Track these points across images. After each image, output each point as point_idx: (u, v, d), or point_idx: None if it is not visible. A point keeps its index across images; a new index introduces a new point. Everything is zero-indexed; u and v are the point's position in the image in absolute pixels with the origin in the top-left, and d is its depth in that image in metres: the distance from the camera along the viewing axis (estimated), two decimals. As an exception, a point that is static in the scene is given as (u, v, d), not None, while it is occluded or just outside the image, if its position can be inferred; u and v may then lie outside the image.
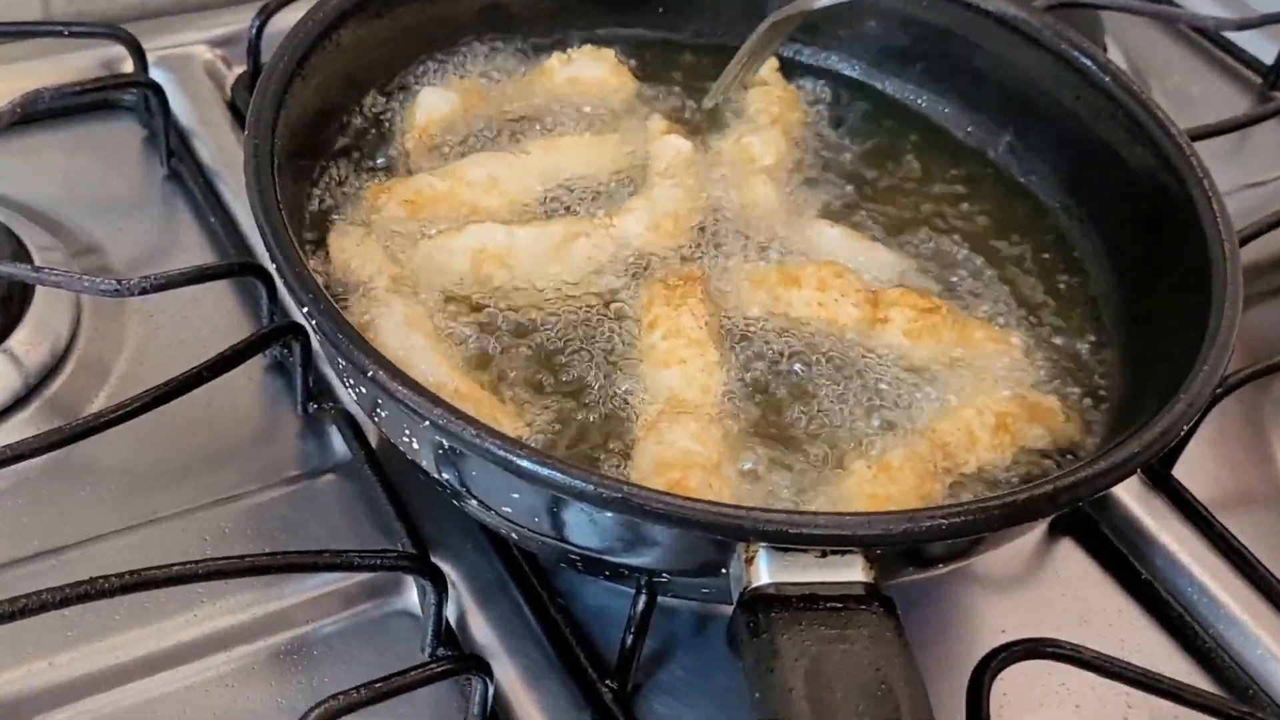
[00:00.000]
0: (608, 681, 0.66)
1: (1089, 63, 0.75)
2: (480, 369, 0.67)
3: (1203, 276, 0.66)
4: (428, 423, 0.54)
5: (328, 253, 0.71)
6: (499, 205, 0.75)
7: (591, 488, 0.52)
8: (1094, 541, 0.77)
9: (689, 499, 0.53)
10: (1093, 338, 0.73)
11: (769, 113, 0.82)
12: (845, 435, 0.67)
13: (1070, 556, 0.76)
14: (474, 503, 0.61)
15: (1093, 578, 0.75)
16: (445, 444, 0.57)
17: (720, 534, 0.53)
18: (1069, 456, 0.67)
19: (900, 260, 0.76)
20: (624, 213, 0.74)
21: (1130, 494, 0.77)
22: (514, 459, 0.53)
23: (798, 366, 0.70)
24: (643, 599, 0.63)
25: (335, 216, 0.73)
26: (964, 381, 0.69)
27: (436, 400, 0.55)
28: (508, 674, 0.66)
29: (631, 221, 0.74)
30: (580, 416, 0.66)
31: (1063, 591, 0.74)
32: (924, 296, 0.72)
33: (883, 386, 0.69)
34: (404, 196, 0.74)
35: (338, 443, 0.75)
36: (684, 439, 0.63)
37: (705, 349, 0.68)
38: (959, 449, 0.64)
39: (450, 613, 0.68)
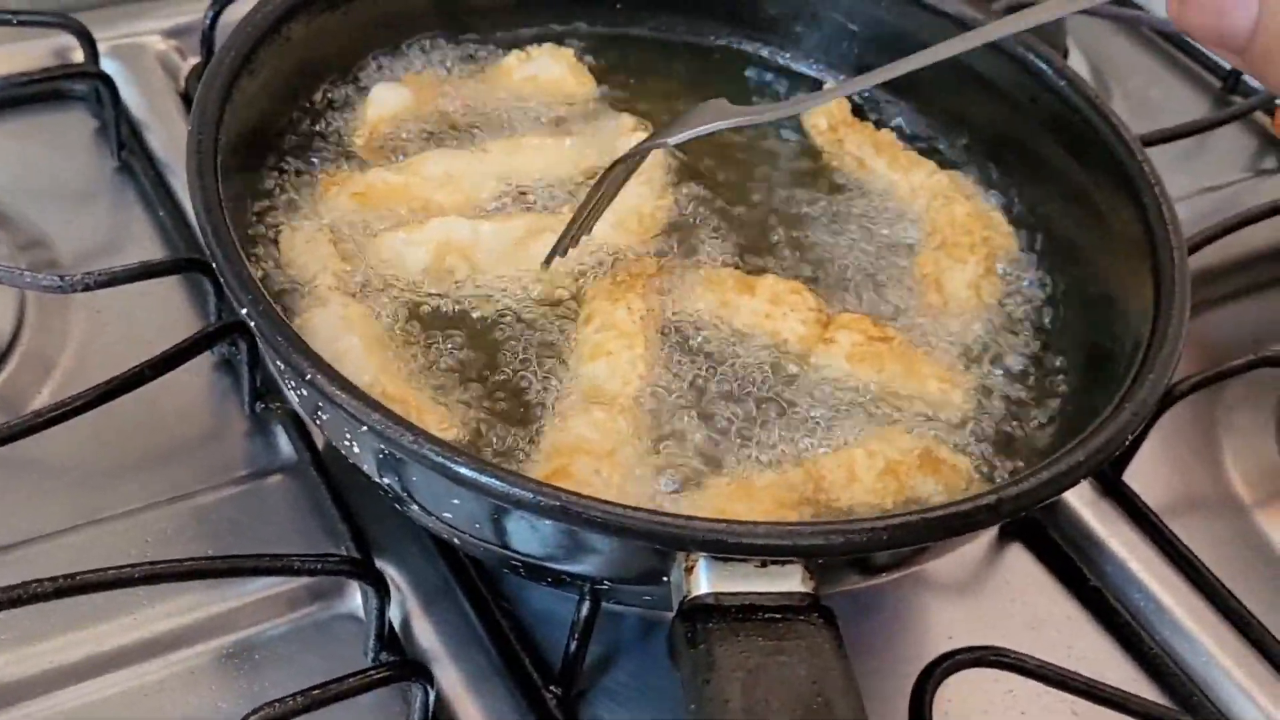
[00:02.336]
0: (552, 687, 0.66)
1: (1044, 66, 0.75)
2: (420, 366, 0.67)
3: (1153, 283, 0.65)
4: (365, 427, 0.54)
5: (279, 250, 0.70)
6: (454, 203, 0.74)
7: (529, 495, 0.52)
8: (1044, 547, 0.76)
9: (627, 507, 0.52)
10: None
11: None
12: (736, 447, 0.66)
13: (1020, 562, 0.76)
14: (416, 508, 0.61)
15: (1042, 584, 0.75)
16: (383, 449, 0.56)
17: (658, 543, 0.53)
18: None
19: None
20: None
21: (1080, 500, 0.77)
22: (449, 464, 0.52)
23: (730, 372, 0.69)
24: (586, 605, 0.62)
25: (284, 214, 0.72)
26: (877, 422, 0.68)
27: (374, 404, 0.54)
28: (451, 679, 0.66)
29: None
30: (509, 412, 0.65)
31: (1011, 597, 0.74)
32: (878, 325, 0.71)
33: (803, 409, 0.68)
34: (355, 189, 0.73)
35: (284, 443, 0.74)
36: (584, 427, 0.63)
37: (634, 341, 0.67)
38: (835, 485, 0.63)
39: (395, 616, 0.68)
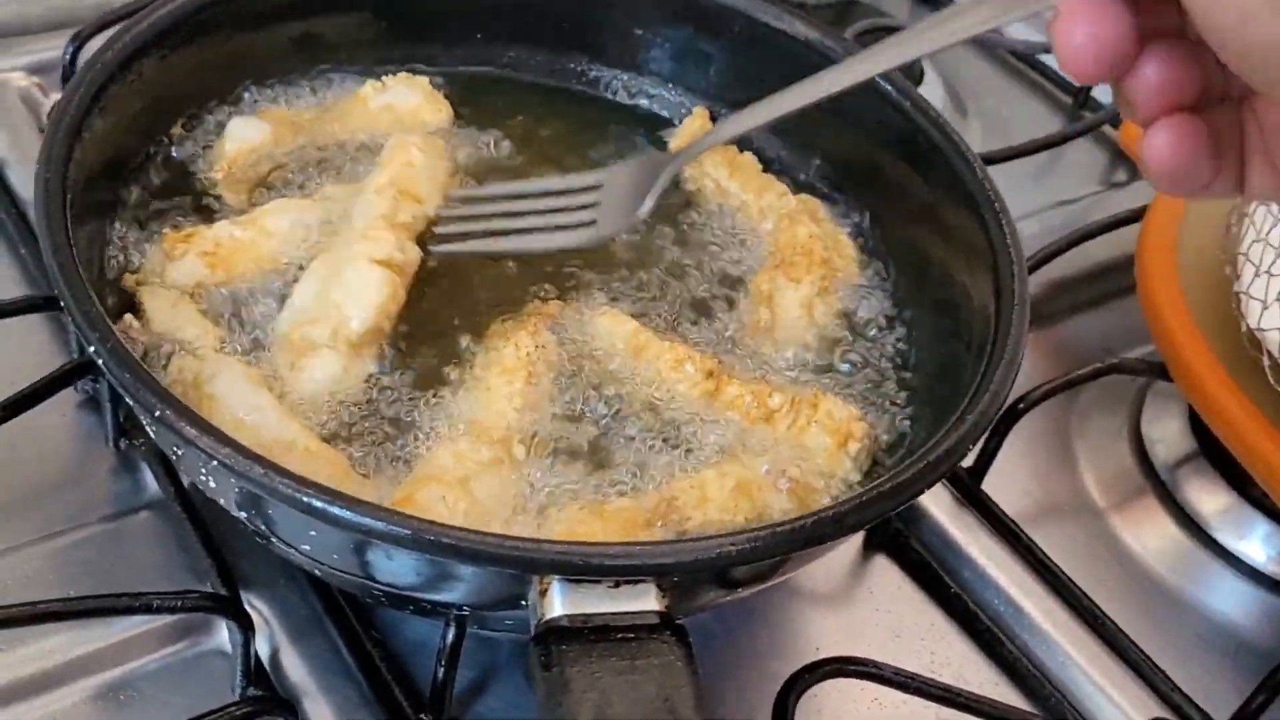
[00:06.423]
0: (422, 715, 0.66)
1: (889, 86, 0.77)
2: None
3: (994, 297, 0.67)
4: (216, 462, 0.54)
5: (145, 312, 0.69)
6: (305, 257, 0.73)
7: (381, 524, 0.52)
8: (907, 557, 0.78)
9: (479, 533, 0.53)
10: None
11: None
12: (602, 474, 0.67)
13: (885, 572, 0.78)
14: (276, 541, 0.61)
15: (905, 593, 0.77)
16: (237, 484, 0.56)
17: (510, 567, 0.53)
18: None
19: None
20: None
21: (941, 509, 0.79)
22: (300, 496, 0.52)
23: (615, 407, 0.70)
24: (452, 632, 0.63)
25: (145, 262, 0.72)
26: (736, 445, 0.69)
27: (225, 439, 0.54)
28: (320, 711, 0.65)
29: None
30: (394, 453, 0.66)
31: (876, 607, 0.76)
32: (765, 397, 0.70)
33: (682, 440, 0.69)
34: (203, 248, 0.71)
35: (151, 479, 0.74)
36: (444, 457, 0.63)
37: (513, 376, 0.68)
38: (687, 505, 0.64)
39: (264, 651, 0.68)
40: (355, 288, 0.69)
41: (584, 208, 0.71)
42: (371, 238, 0.71)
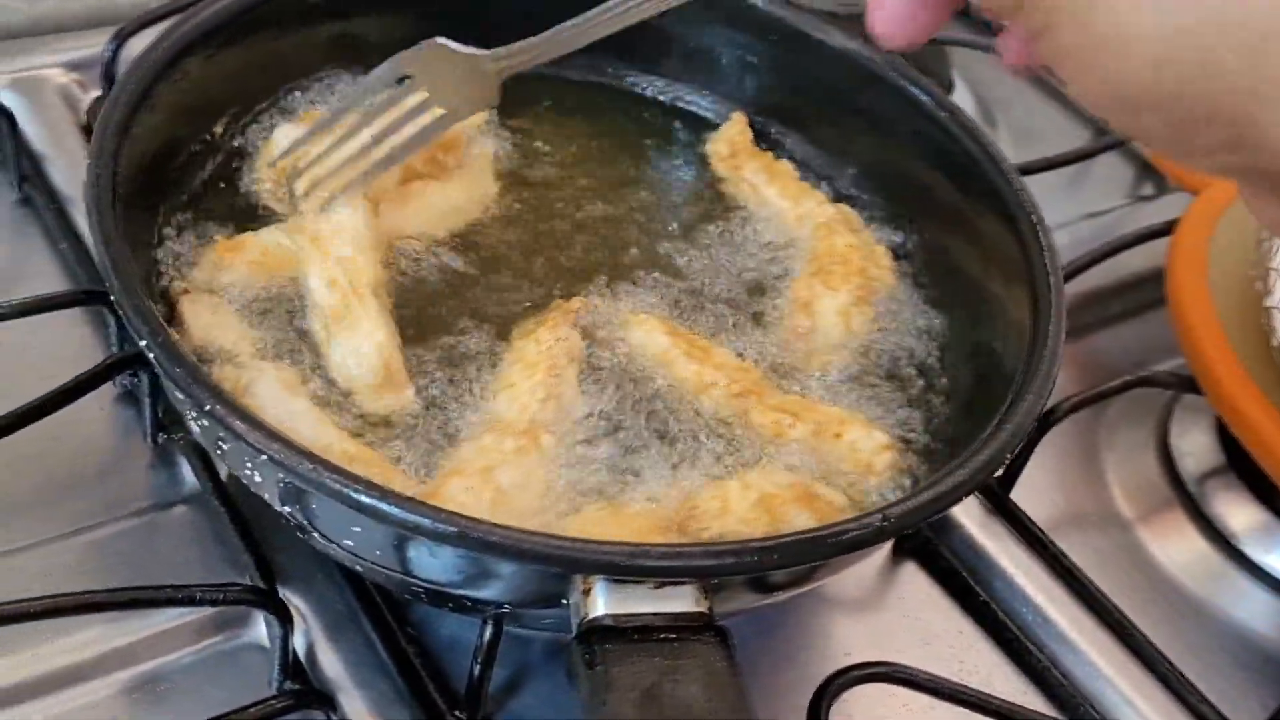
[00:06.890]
0: (457, 712, 0.66)
1: (926, 98, 0.78)
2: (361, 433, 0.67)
3: (1031, 308, 0.68)
4: (265, 457, 0.55)
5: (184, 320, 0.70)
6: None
7: (427, 520, 0.53)
8: (936, 565, 0.79)
9: (525, 531, 0.54)
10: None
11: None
12: (623, 473, 0.67)
13: (914, 580, 0.78)
14: (318, 536, 0.61)
15: (935, 600, 0.77)
16: (284, 478, 0.57)
17: (555, 566, 0.54)
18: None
19: None
20: None
21: (970, 518, 0.79)
22: (349, 492, 0.53)
23: (644, 409, 0.71)
24: (489, 629, 0.63)
25: (186, 266, 0.72)
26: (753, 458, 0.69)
27: (274, 434, 0.55)
28: (356, 706, 0.66)
29: None
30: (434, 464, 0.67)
31: (905, 613, 0.76)
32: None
33: (709, 447, 0.70)
34: (251, 257, 0.72)
35: (188, 474, 0.74)
36: (469, 451, 0.64)
37: (534, 369, 0.69)
38: (707, 514, 0.64)
39: (300, 645, 0.68)
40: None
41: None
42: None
